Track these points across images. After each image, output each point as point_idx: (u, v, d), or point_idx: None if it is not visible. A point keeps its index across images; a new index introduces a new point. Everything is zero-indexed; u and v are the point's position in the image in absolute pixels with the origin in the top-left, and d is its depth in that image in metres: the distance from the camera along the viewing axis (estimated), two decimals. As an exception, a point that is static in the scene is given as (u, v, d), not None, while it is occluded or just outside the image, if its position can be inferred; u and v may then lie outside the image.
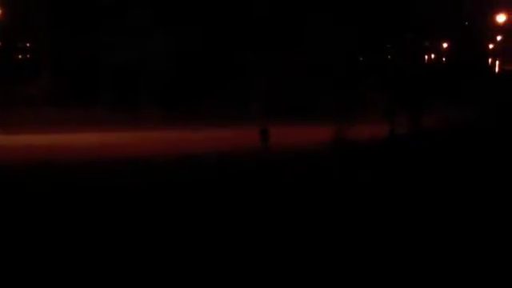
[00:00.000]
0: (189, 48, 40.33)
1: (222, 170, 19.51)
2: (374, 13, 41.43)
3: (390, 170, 19.55)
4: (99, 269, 9.61)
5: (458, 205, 14.06)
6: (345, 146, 25.99)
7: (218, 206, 13.77)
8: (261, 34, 40.37)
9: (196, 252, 10.41)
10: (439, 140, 26.89)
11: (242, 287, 9.13)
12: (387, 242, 11.13)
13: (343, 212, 13.38)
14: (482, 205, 13.93)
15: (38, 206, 13.71)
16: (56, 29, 41.58)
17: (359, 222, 12.56)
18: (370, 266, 9.86)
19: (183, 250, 10.59)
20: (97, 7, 40.39)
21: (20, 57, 48.65)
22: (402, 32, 42.79)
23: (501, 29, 49.36)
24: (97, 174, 18.83)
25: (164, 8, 40.51)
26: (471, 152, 22.44)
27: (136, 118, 35.63)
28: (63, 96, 39.63)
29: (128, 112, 36.45)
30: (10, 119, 33.32)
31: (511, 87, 44.95)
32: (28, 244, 10.79)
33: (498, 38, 51.04)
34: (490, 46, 51.86)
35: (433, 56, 52.72)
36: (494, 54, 51.97)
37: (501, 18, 47.98)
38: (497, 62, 52.16)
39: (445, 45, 52.62)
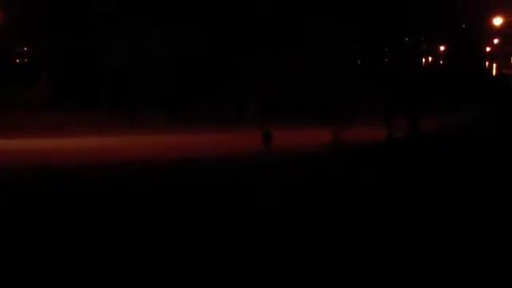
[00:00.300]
0: (188, 51, 40.38)
1: (226, 173, 19.52)
2: (373, 17, 41.55)
3: (388, 172, 19.60)
4: (99, 269, 9.68)
5: (456, 207, 14.10)
6: (343, 149, 26.04)
7: (224, 210, 13.84)
8: (260, 36, 40.44)
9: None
10: (436, 143, 26.91)
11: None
12: (384, 243, 11.22)
13: (341, 214, 13.45)
14: (479, 207, 13.97)
15: (37, 211, 13.74)
16: (54, 33, 41.62)
17: (356, 223, 12.63)
18: (370, 265, 9.94)
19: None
20: (96, 11, 40.44)
21: (18, 61, 48.69)
22: (400, 36, 42.91)
23: (498, 32, 49.48)
24: (96, 177, 18.82)
25: (163, 12, 40.56)
26: (468, 155, 22.47)
27: (135, 122, 35.67)
28: (62, 100, 39.67)
29: (127, 115, 36.49)
30: (8, 123, 33.32)
31: (508, 90, 45.05)
32: (27, 246, 10.86)
33: (495, 41, 51.19)
34: (488, 49, 52.01)
35: (430, 59, 52.88)
36: (492, 57, 52.12)
37: (498, 21, 48.09)
38: (494, 65, 52.31)
39: (442, 48, 52.78)
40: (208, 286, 9.27)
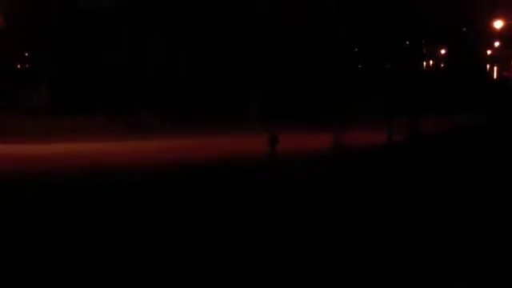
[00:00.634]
0: (188, 55, 40.44)
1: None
2: (373, 20, 41.54)
3: (387, 174, 19.68)
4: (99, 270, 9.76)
5: (453, 208, 14.15)
6: (344, 152, 26.12)
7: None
8: (262, 39, 40.48)
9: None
10: (436, 146, 26.97)
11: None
12: (380, 240, 11.32)
13: (340, 213, 13.56)
14: (476, 208, 14.02)
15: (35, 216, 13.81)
16: (55, 39, 41.68)
17: (354, 222, 12.73)
18: (369, 263, 10.00)
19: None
20: (96, 16, 40.50)
21: (19, 66, 48.72)
22: (401, 39, 42.91)
23: (498, 35, 49.46)
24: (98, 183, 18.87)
25: (163, 15, 40.62)
26: (468, 159, 22.51)
27: (135, 126, 35.74)
28: (62, 104, 39.71)
29: (127, 120, 36.58)
30: (9, 128, 33.38)
31: (509, 94, 45.06)
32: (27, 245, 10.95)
33: (496, 44, 51.16)
34: (488, 52, 51.97)
35: (431, 62, 52.83)
36: (492, 60, 52.07)
37: (498, 25, 48.08)
38: (495, 68, 52.27)
39: (443, 51, 52.75)
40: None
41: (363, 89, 38.33)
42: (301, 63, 39.91)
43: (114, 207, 14.51)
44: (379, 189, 16.72)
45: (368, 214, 13.61)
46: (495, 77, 51.96)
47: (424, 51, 49.07)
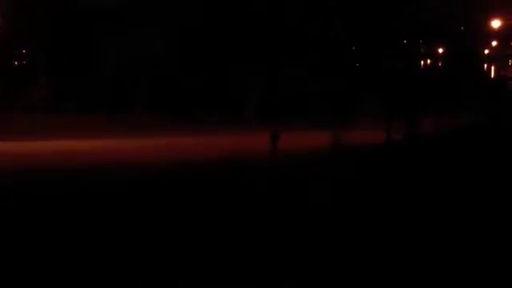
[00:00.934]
0: (186, 54, 40.42)
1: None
2: (371, 19, 41.53)
3: (384, 173, 19.76)
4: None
5: (450, 208, 14.21)
6: (343, 151, 26.18)
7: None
8: (261, 38, 40.46)
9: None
10: (434, 146, 27.05)
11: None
12: (378, 239, 11.41)
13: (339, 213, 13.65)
14: (476, 208, 14.08)
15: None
16: (53, 36, 41.61)
17: (352, 222, 12.82)
18: (367, 261, 10.08)
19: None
20: (96, 14, 40.44)
21: (16, 63, 48.61)
22: (399, 38, 42.93)
23: (496, 34, 49.49)
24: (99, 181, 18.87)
25: (163, 13, 40.57)
26: (465, 158, 22.58)
27: (135, 124, 35.72)
28: (61, 102, 39.65)
29: (126, 118, 36.55)
30: (7, 125, 33.33)
31: (507, 93, 45.17)
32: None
33: (494, 43, 51.19)
34: (486, 52, 52.00)
35: (429, 62, 52.83)
36: (490, 60, 52.10)
37: (496, 24, 48.13)
38: (492, 68, 52.31)
39: (440, 50, 52.75)
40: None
41: (362, 88, 38.36)
42: (299, 62, 39.92)
43: (113, 206, 14.53)
44: (376, 188, 16.80)
45: (365, 212, 13.70)
46: (493, 76, 52.01)
47: (422, 50, 49.10)
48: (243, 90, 40.70)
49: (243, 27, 40.19)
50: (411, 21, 41.87)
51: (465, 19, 46.83)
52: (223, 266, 9.97)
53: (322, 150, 26.13)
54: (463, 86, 42.75)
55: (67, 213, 13.66)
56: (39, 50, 43.15)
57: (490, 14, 47.63)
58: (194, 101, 39.74)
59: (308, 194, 15.79)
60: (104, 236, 11.62)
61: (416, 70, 46.36)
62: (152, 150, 28.50)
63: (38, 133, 32.34)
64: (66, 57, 41.35)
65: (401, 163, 22.56)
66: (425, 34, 45.36)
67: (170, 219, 13.08)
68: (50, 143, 29.81)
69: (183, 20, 40.54)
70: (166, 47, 39.64)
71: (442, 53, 52.17)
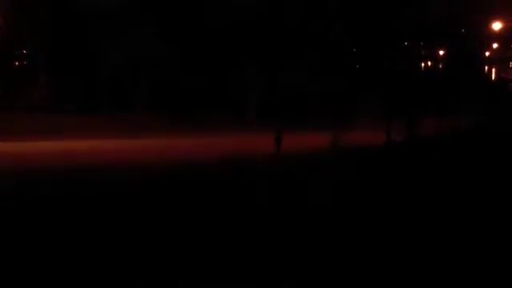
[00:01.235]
0: (188, 54, 40.44)
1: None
2: (372, 21, 41.57)
3: (384, 174, 19.81)
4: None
5: (450, 208, 14.24)
6: (342, 153, 26.22)
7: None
8: (261, 39, 40.50)
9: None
10: (433, 147, 27.09)
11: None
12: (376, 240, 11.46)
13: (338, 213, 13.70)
14: (474, 209, 14.10)
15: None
16: (53, 36, 41.62)
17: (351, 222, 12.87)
18: (367, 261, 10.11)
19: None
20: (95, 14, 40.44)
21: (17, 63, 48.63)
22: (399, 40, 42.97)
23: (497, 36, 49.56)
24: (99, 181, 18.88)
25: (163, 14, 40.60)
26: (466, 160, 22.59)
27: (135, 124, 35.75)
28: (61, 102, 39.66)
29: (127, 118, 36.60)
30: (7, 125, 33.37)
31: (507, 95, 45.22)
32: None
33: (495, 45, 51.25)
34: (487, 54, 52.08)
35: (429, 63, 52.89)
36: (491, 62, 52.18)
37: (497, 26, 48.20)
38: (493, 70, 52.38)
39: (441, 52, 52.81)
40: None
41: (362, 89, 38.39)
42: (300, 63, 39.97)
43: (113, 206, 14.55)
44: (375, 188, 16.86)
45: (365, 213, 13.75)
46: (493, 78, 52.09)
47: (422, 52, 49.18)
48: (244, 90, 40.75)
49: (244, 27, 40.23)
50: (412, 23, 41.91)
51: (465, 21, 46.89)
52: (223, 266, 9.99)
53: (321, 151, 26.16)
54: (464, 88, 42.80)
55: (66, 213, 13.69)
56: (39, 50, 43.17)
57: (490, 16, 47.70)
58: (194, 101, 39.77)
59: (309, 194, 15.84)
60: (103, 236, 11.65)
61: (417, 71, 46.41)
62: (152, 150, 28.51)
63: (38, 133, 32.39)
64: (66, 57, 41.37)
65: (400, 164, 22.59)
66: (425, 36, 45.42)
67: (170, 220, 13.11)
68: (51, 143, 29.85)
69: (183, 20, 40.59)
70: (166, 47, 39.66)
71: (443, 55, 52.24)
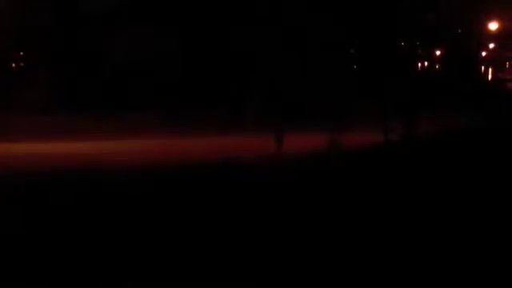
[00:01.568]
0: (188, 53, 40.46)
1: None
2: (367, 20, 41.63)
3: (381, 175, 19.90)
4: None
5: (446, 211, 14.29)
6: (340, 153, 26.30)
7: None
8: (261, 39, 40.54)
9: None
10: (431, 145, 27.17)
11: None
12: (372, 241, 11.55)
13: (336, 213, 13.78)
14: (473, 210, 14.15)
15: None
16: (53, 36, 41.59)
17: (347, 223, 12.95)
18: (367, 262, 10.19)
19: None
20: (95, 14, 40.45)
21: (14, 65, 48.57)
22: (396, 40, 43.04)
23: (493, 36, 49.66)
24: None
25: (163, 14, 40.61)
26: (463, 159, 22.66)
27: (135, 125, 35.74)
28: (61, 103, 39.61)
29: (127, 118, 36.58)
30: (5, 127, 33.33)
31: (504, 95, 45.29)
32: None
33: (491, 45, 51.34)
34: (483, 54, 52.16)
35: (426, 64, 52.98)
36: (487, 62, 52.26)
37: (493, 26, 48.30)
38: (490, 70, 52.47)
39: (438, 52, 52.91)
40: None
41: (360, 89, 38.47)
42: (298, 64, 40.02)
43: (112, 207, 14.61)
44: (372, 187, 16.96)
45: (363, 212, 13.85)
46: (490, 78, 52.17)
47: (419, 52, 49.26)
48: (243, 92, 40.78)
49: (244, 29, 40.29)
50: (408, 22, 42.00)
51: (462, 21, 46.99)
52: (223, 266, 10.07)
53: (319, 152, 26.23)
54: (461, 88, 42.90)
55: (65, 213, 13.76)
56: (39, 51, 43.13)
57: (487, 16, 47.80)
58: (195, 102, 39.80)
59: (308, 194, 15.95)
60: (103, 236, 11.72)
61: (414, 71, 46.49)
62: (152, 150, 28.54)
63: (37, 134, 32.39)
64: (67, 57, 41.34)
65: (397, 164, 22.68)
66: (422, 36, 45.52)
67: (170, 220, 13.18)
68: (51, 144, 29.86)
69: (184, 20, 40.60)
70: (167, 48, 39.69)
71: (440, 55, 52.34)
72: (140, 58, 39.79)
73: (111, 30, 39.68)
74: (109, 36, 39.65)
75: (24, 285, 9.42)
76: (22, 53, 47.87)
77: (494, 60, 51.84)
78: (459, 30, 48.79)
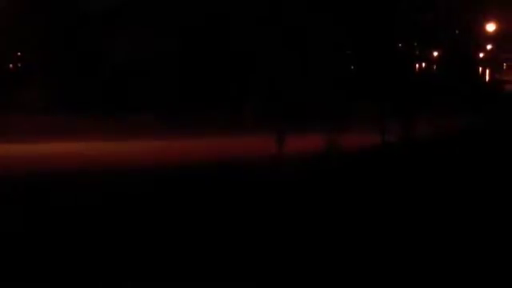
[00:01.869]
0: (188, 53, 40.50)
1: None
2: (365, 21, 41.68)
3: (378, 177, 19.98)
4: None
5: (445, 212, 14.36)
6: (338, 154, 26.36)
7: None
8: (261, 40, 40.58)
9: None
10: (428, 146, 27.23)
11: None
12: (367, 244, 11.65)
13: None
14: (471, 212, 14.22)
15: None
16: (53, 36, 41.58)
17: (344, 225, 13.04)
18: (366, 262, 10.28)
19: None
20: (95, 14, 40.46)
21: (11, 66, 48.54)
22: (393, 41, 43.10)
23: (491, 38, 49.74)
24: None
25: (163, 14, 40.64)
26: (461, 162, 22.72)
27: (135, 125, 35.78)
28: (60, 103, 39.63)
29: (127, 118, 36.61)
30: (5, 127, 33.35)
31: (502, 96, 45.37)
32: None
33: (489, 46, 51.43)
34: (481, 55, 52.24)
35: (424, 65, 53.04)
36: (485, 63, 52.34)
37: (491, 27, 48.40)
38: (487, 71, 52.56)
39: (435, 53, 52.97)
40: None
41: (358, 91, 38.51)
42: (298, 64, 40.07)
43: (112, 207, 14.67)
44: (369, 188, 17.04)
45: (362, 212, 13.93)
46: (488, 79, 52.26)
47: (417, 53, 49.31)
48: (242, 92, 40.83)
49: (244, 29, 40.31)
50: (406, 23, 42.07)
51: (460, 22, 47.06)
52: (223, 266, 10.15)
53: (319, 152, 26.30)
54: (459, 89, 42.98)
55: (65, 213, 13.83)
56: (38, 51, 43.13)
57: (485, 18, 47.88)
58: (195, 102, 39.85)
59: (308, 194, 16.02)
60: (103, 237, 11.79)
61: (411, 72, 46.53)
62: (152, 151, 28.58)
63: (37, 135, 32.40)
64: (66, 57, 41.34)
65: (394, 165, 22.74)
66: (419, 37, 45.58)
67: (170, 220, 13.25)
68: (50, 145, 29.88)
69: (183, 21, 40.63)
70: (167, 48, 39.72)
71: (437, 56, 52.42)
72: (140, 58, 39.80)
73: (111, 30, 39.70)
74: (109, 36, 39.65)
75: (24, 285, 9.47)
76: (21, 53, 47.87)
77: (491, 61, 51.93)
78: (457, 31, 48.87)
